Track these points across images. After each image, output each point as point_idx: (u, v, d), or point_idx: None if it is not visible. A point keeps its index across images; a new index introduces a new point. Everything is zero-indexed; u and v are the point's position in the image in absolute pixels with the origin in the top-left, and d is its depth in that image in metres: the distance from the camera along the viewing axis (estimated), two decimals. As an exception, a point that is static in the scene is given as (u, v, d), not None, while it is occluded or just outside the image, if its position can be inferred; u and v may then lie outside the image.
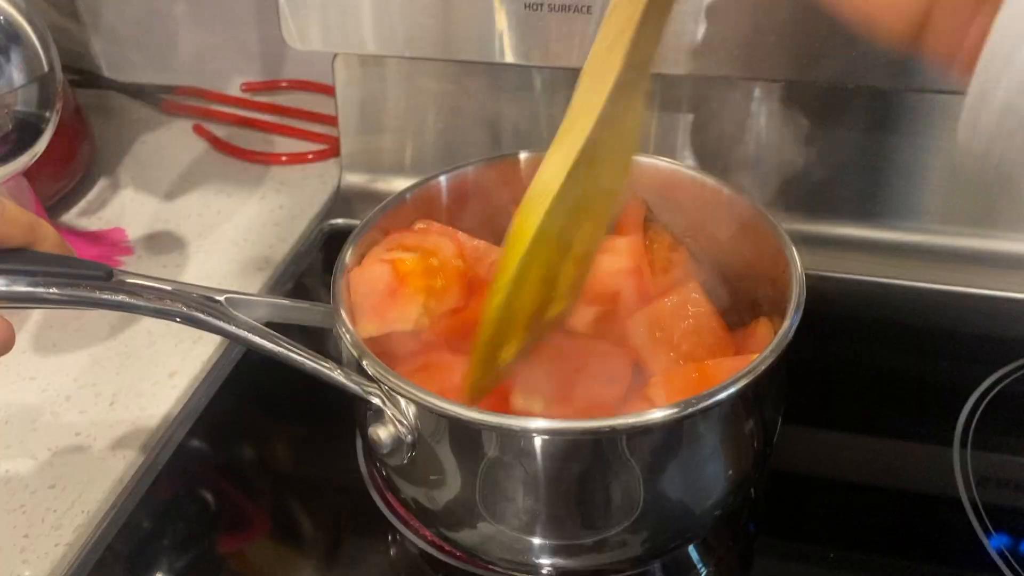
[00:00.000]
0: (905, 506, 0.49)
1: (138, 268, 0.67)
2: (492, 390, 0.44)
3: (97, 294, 0.39)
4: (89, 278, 0.39)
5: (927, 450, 0.52)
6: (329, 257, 0.69)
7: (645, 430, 0.38)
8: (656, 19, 0.37)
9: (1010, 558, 0.46)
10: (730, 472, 0.42)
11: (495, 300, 0.40)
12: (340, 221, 0.73)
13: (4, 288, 0.38)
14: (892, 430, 0.53)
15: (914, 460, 0.52)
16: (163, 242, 0.71)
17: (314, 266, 0.69)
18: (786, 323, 0.41)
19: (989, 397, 0.54)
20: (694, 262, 0.52)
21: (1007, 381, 0.55)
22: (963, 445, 0.52)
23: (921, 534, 0.48)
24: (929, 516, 0.49)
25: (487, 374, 0.43)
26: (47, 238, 0.39)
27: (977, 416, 0.53)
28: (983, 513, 0.48)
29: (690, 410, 0.37)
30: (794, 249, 0.45)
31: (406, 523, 0.49)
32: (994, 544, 0.47)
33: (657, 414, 0.37)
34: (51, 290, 0.38)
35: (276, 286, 0.67)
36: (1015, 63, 0.25)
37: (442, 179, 0.53)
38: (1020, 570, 0.45)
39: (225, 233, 0.71)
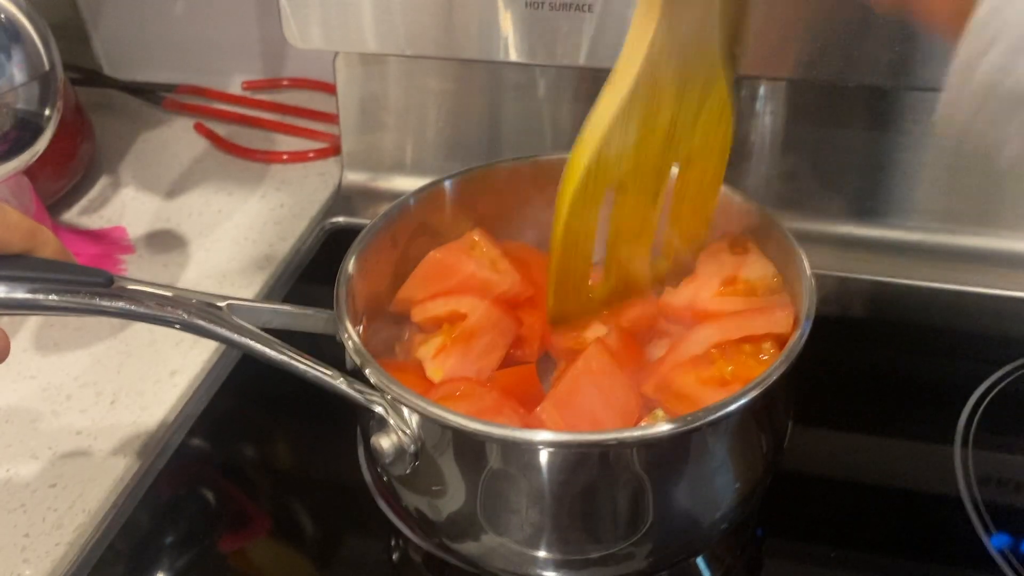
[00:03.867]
0: (906, 505, 0.49)
1: (139, 266, 0.68)
2: (576, 320, 0.46)
3: (97, 301, 0.39)
4: (89, 284, 0.39)
5: (928, 449, 0.52)
6: (330, 256, 0.69)
7: (653, 443, 0.38)
8: None
9: (1011, 557, 0.46)
10: (740, 483, 0.41)
11: (557, 224, 0.41)
12: (341, 219, 0.73)
13: (3, 295, 0.38)
14: (893, 429, 0.53)
15: (915, 459, 0.52)
16: (164, 241, 0.71)
17: (315, 265, 0.69)
18: (796, 333, 0.41)
19: (990, 396, 0.54)
20: None
21: (1008, 380, 0.55)
22: (964, 444, 0.52)
23: (922, 533, 0.48)
24: (930, 515, 0.48)
25: (566, 304, 0.45)
26: (47, 244, 0.39)
27: (978, 415, 0.53)
28: (984, 512, 0.48)
29: (699, 423, 0.37)
30: (805, 259, 0.45)
31: (408, 524, 0.49)
32: (995, 543, 0.47)
33: (665, 427, 0.37)
34: (51, 296, 0.38)
35: (277, 285, 0.67)
36: (1001, 36, 0.25)
37: (446, 184, 0.52)
38: (1021, 569, 0.45)
39: (226, 231, 0.71)
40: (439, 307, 0.50)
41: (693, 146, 0.44)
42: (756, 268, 0.49)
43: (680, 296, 0.49)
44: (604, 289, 0.47)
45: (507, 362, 0.49)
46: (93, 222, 0.73)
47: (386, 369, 0.47)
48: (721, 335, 0.44)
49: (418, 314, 0.50)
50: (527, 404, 0.45)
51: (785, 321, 0.43)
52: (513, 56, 0.63)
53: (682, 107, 0.42)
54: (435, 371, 0.47)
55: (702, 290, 0.48)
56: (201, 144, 0.83)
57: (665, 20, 0.38)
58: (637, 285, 0.48)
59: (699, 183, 0.46)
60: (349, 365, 0.43)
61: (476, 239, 0.52)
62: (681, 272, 0.49)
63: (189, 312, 0.41)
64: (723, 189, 0.50)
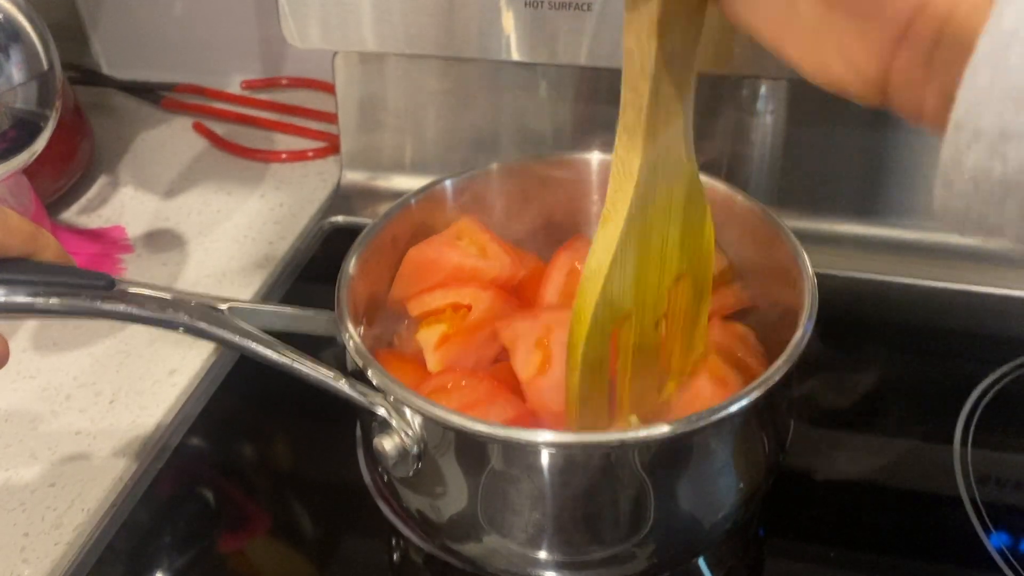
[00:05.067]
0: (905, 504, 0.49)
1: (138, 266, 0.68)
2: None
3: (98, 304, 0.39)
4: (90, 288, 0.39)
5: (927, 448, 0.52)
6: (329, 255, 0.69)
7: (656, 444, 0.38)
8: (672, 67, 0.36)
9: (1010, 556, 0.46)
10: (742, 484, 0.41)
11: (570, 378, 0.41)
12: (340, 219, 0.73)
13: (4, 299, 0.37)
14: (892, 428, 0.53)
15: (914, 458, 0.52)
16: (163, 240, 0.71)
17: (314, 264, 0.69)
18: (798, 333, 0.41)
19: (989, 395, 0.54)
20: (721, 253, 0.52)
21: (1007, 379, 0.55)
22: (963, 443, 0.52)
23: (921, 532, 0.48)
24: (929, 514, 0.49)
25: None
26: (48, 248, 0.39)
27: (977, 414, 0.53)
28: (983, 511, 0.48)
29: (701, 424, 0.37)
30: (806, 260, 0.45)
31: (409, 525, 0.49)
32: (994, 542, 0.47)
33: (668, 428, 0.37)
34: (51, 300, 0.38)
35: (276, 284, 0.66)
36: (982, 131, 0.25)
37: (447, 184, 0.52)
38: (1020, 568, 0.45)
39: (225, 231, 0.71)
40: (437, 299, 0.50)
41: (683, 260, 0.43)
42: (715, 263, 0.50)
43: None
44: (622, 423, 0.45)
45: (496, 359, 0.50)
46: (92, 221, 0.73)
47: (385, 359, 0.47)
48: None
49: (416, 308, 0.50)
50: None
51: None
52: (513, 55, 0.63)
53: (670, 223, 0.41)
54: (436, 363, 0.47)
55: None
56: (200, 143, 0.83)
57: (649, 147, 0.37)
58: (650, 409, 0.47)
59: (691, 296, 0.45)
60: (351, 366, 0.43)
61: (463, 227, 0.52)
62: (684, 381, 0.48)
63: (190, 315, 0.40)
64: (724, 188, 0.50)
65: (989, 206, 0.27)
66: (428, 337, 0.48)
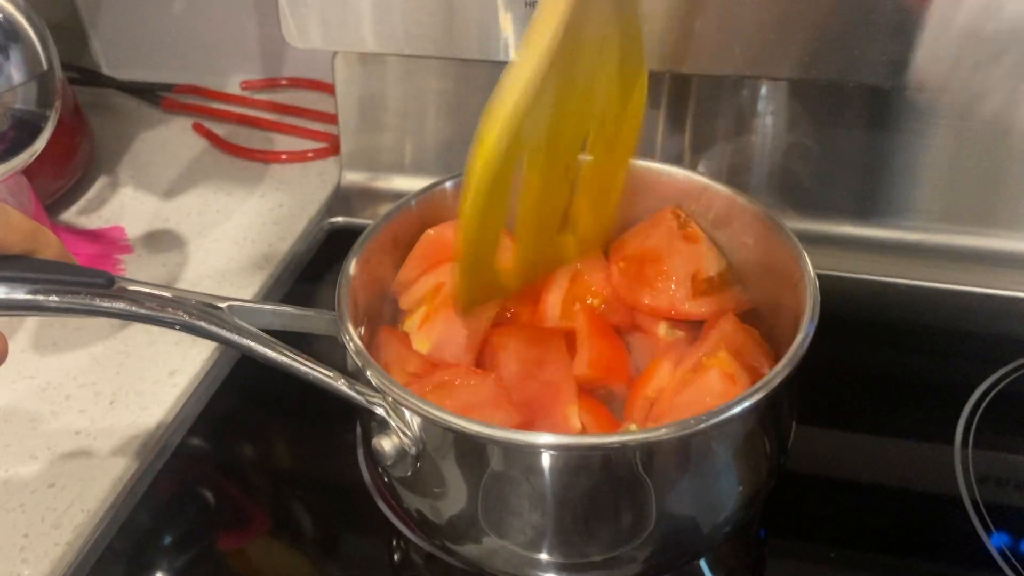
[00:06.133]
0: (906, 505, 0.49)
1: (137, 266, 0.67)
2: (486, 303, 0.44)
3: (98, 302, 0.39)
4: (90, 285, 0.39)
5: (928, 449, 0.52)
6: (329, 256, 0.69)
7: (657, 447, 0.37)
8: None
9: (1011, 557, 0.46)
10: (743, 487, 0.41)
11: (465, 203, 0.39)
12: (340, 219, 0.73)
13: (4, 296, 0.37)
14: (893, 429, 0.53)
15: (915, 459, 0.52)
16: (163, 241, 0.71)
17: (314, 265, 0.69)
18: (800, 335, 0.41)
19: (990, 396, 0.54)
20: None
21: (1008, 380, 0.55)
22: (964, 444, 0.52)
23: (922, 533, 0.48)
24: (930, 515, 0.49)
25: (475, 288, 0.43)
26: (49, 245, 0.39)
27: (978, 415, 0.53)
28: (984, 512, 0.48)
29: (702, 426, 0.37)
30: (808, 261, 0.45)
31: (408, 525, 0.49)
32: (995, 543, 0.47)
33: (669, 431, 0.37)
34: (51, 298, 0.38)
35: (276, 285, 0.66)
36: None
37: (447, 185, 0.52)
38: (1021, 569, 0.45)
39: (225, 232, 0.71)
40: (422, 287, 0.50)
41: (607, 114, 0.42)
42: (713, 263, 0.50)
43: (660, 299, 0.50)
44: (515, 268, 0.44)
45: (509, 321, 0.50)
46: (91, 222, 0.73)
47: (388, 339, 0.47)
48: (680, 363, 0.46)
49: (405, 301, 0.50)
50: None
51: (714, 342, 0.45)
52: (513, 56, 0.63)
53: (597, 71, 0.40)
54: (422, 343, 0.47)
55: (678, 291, 0.50)
56: (200, 144, 0.83)
57: None
58: (546, 262, 0.46)
59: (610, 154, 0.44)
60: (350, 366, 0.43)
61: None
62: (587, 248, 0.47)
63: (190, 313, 0.40)
64: (725, 190, 0.50)
65: (975, 69, 0.26)
66: (412, 323, 0.49)
